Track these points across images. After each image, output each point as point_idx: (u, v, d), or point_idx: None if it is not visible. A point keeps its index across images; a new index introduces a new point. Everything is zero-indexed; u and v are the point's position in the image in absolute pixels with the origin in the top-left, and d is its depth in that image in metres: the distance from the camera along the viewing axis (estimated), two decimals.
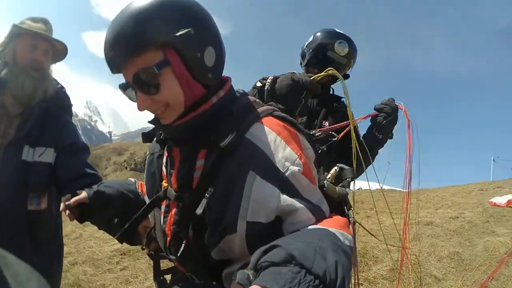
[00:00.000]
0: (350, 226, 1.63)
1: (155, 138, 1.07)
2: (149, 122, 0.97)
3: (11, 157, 1.53)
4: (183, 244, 0.92)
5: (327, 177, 1.25)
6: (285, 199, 0.82)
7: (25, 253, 1.55)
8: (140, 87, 0.83)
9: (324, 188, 1.18)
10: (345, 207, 1.31)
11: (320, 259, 0.61)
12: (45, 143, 1.60)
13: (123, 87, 0.89)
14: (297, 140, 0.93)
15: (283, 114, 0.97)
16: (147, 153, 1.15)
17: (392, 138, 1.84)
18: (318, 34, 2.07)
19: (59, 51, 1.68)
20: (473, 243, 3.94)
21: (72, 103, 1.85)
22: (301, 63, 2.14)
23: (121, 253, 4.27)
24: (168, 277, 1.17)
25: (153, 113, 0.90)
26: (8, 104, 1.55)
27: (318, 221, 0.85)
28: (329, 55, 1.99)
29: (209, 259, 0.92)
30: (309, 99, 1.71)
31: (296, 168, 0.85)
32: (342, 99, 2.07)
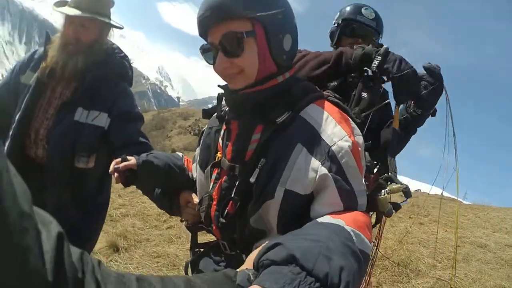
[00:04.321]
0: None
1: (214, 114, 1.16)
2: (219, 86, 1.06)
3: (63, 117, 1.64)
4: (227, 209, 0.99)
5: (389, 188, 1.21)
6: (323, 170, 0.86)
7: (65, 207, 1.67)
8: (224, 47, 0.91)
9: (380, 195, 1.16)
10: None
11: (323, 260, 0.60)
12: (99, 108, 1.68)
13: (205, 49, 0.99)
14: (348, 123, 0.96)
15: (337, 100, 1.03)
16: (206, 126, 1.21)
17: (434, 115, 1.58)
18: (343, 8, 2.05)
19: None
20: None
21: (132, 71, 1.90)
22: (332, 44, 2.05)
23: None
24: None
25: (227, 76, 0.96)
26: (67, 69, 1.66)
27: (345, 210, 0.86)
28: (359, 19, 1.91)
29: (245, 229, 0.97)
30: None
31: (345, 144, 0.88)
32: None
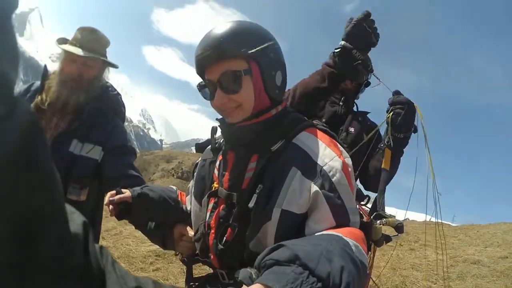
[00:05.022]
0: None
1: (208, 147, 1.22)
2: (217, 119, 1.13)
3: (58, 148, 1.64)
4: (225, 236, 1.01)
5: (385, 220, 1.27)
6: (315, 188, 0.91)
7: None
8: (223, 84, 0.98)
9: (375, 224, 1.22)
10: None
11: (325, 261, 0.62)
12: (94, 141, 1.71)
13: (202, 85, 1.06)
14: (337, 146, 1.03)
15: (325, 128, 1.10)
16: (199, 159, 1.25)
17: (416, 131, 1.57)
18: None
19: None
20: None
21: (125, 109, 1.96)
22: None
23: (156, 255, 4.37)
24: None
25: (225, 110, 1.03)
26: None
27: (337, 226, 0.89)
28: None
29: (244, 254, 0.98)
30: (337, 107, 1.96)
31: (336, 163, 0.94)
32: (368, 114, 2.10)
